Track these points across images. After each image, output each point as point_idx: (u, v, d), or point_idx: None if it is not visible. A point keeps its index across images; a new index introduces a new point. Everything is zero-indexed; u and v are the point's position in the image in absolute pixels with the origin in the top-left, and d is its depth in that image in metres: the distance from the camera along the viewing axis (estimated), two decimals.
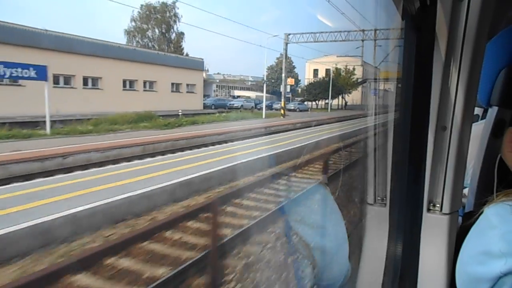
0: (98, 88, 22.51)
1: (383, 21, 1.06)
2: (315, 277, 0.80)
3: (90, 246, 4.79)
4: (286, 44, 30.69)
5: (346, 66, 48.86)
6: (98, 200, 5.58)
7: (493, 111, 1.05)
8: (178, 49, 43.17)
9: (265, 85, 31.83)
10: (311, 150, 11.78)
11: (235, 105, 37.19)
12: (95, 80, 22.60)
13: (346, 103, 52.68)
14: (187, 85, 30.80)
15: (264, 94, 31.71)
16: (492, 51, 0.93)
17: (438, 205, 0.96)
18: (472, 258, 0.66)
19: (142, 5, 43.22)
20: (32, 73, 14.75)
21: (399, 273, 1.06)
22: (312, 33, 30.08)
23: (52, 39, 19.42)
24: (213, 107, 34.95)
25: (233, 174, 8.64)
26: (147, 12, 43.87)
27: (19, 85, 17.79)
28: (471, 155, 1.05)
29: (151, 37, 44.46)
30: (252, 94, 54.11)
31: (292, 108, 37.61)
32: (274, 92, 54.01)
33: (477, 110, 2.02)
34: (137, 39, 45.11)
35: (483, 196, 0.69)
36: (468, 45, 0.85)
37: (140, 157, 10.56)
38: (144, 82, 26.19)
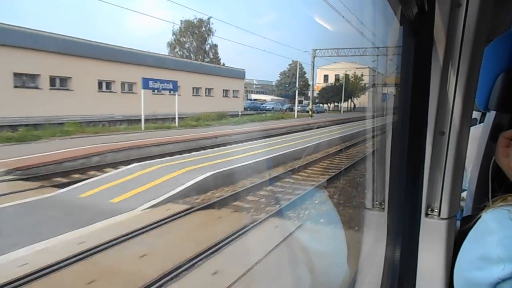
0: (178, 94, 29.35)
1: (381, 27, 1.05)
2: (313, 281, 0.80)
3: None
4: (314, 57, 36.72)
5: (355, 72, 54.22)
6: (272, 154, 10.36)
7: (491, 116, 1.05)
8: (216, 59, 46.41)
9: (297, 92, 35.32)
10: (350, 138, 17.48)
11: (267, 107, 40.56)
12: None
13: (354, 105, 54.41)
14: (233, 91, 34.49)
15: (297, 99, 35.18)
16: (490, 56, 0.91)
17: (436, 210, 0.93)
18: (470, 263, 0.63)
19: (181, 21, 49.24)
20: (170, 86, 19.86)
21: (397, 278, 1.02)
22: (335, 49, 34.77)
23: (151, 58, 24.61)
24: (248, 109, 37.45)
25: (316, 148, 12.38)
26: (186, 27, 50.25)
27: (133, 92, 23.54)
28: (469, 159, 1.02)
29: (189, 48, 50.95)
30: (267, 98, 59.24)
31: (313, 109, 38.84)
32: (287, 96, 52.03)
33: (475, 114, 1.93)
34: (176, 50, 51.17)
35: (481, 200, 0.67)
36: (466, 50, 0.82)
37: (256, 139, 14.66)
38: (205, 89, 30.34)
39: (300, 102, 45.45)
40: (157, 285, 3.43)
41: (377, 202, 1.04)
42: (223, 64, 42.42)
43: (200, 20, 45.21)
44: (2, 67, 15.30)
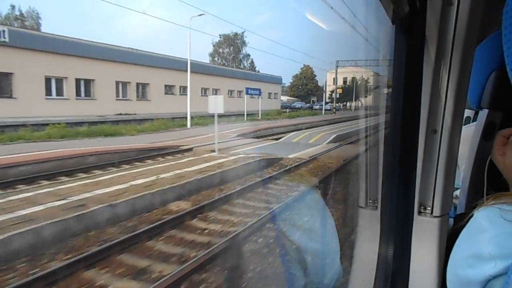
0: (241, 97, 38.04)
1: (374, 26, 1.04)
2: (306, 280, 0.84)
3: None
4: (337, 67, 46.49)
5: (362, 76, 63.03)
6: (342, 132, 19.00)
7: (483, 114, 1.05)
8: (252, 67, 54.53)
9: (324, 94, 47.15)
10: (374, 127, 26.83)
11: (296, 106, 47.00)
12: (239, 92, 36.64)
13: (362, 104, 67.19)
14: (274, 93, 42.80)
15: (324, 99, 46.23)
16: (482, 54, 0.91)
17: (429, 208, 0.92)
18: (463, 261, 0.64)
19: (220, 35, 58.24)
20: (257, 92, 29.25)
21: (391, 275, 1.02)
22: (353, 60, 45.39)
23: (229, 71, 35.49)
24: (281, 108, 43.82)
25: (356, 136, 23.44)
26: (224, 40, 59.61)
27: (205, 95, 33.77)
28: (462, 157, 1.04)
29: (226, 57, 58.38)
30: (284, 98, 68.18)
31: (329, 108, 44.23)
32: (299, 96, 57.34)
33: (469, 112, 1.97)
34: (215, 58, 60.46)
35: (474, 198, 0.66)
36: (458, 49, 0.81)
37: (317, 127, 24.55)
38: (205, 90, 38.46)
39: (313, 102, 54.23)
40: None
41: (370, 201, 1.04)
42: (258, 71, 51.62)
43: (236, 34, 54.26)
44: (161, 81, 24.22)
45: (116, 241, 4.57)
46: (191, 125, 19.97)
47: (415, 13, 0.83)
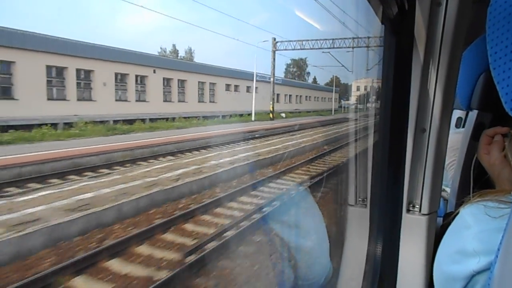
0: (301, 103, 42.05)
1: (363, 26, 1.04)
2: (296, 277, 0.79)
3: None
4: (372, 83, 72.40)
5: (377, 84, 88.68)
6: None
7: (473, 115, 1.03)
8: (315, 81, 67.60)
9: (363, 98, 73.96)
10: None
11: (344, 106, 55.54)
12: (307, 97, 44.96)
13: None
14: (329, 98, 52.34)
15: (365, 102, 71.59)
16: (472, 56, 0.89)
17: (417, 206, 0.91)
18: (448, 257, 0.62)
19: (291, 59, 69.36)
20: (344, 99, 45.94)
21: (379, 272, 1.00)
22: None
23: (305, 85, 48.27)
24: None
25: None
26: (293, 63, 79.18)
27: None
28: (454, 158, 1.00)
29: (294, 74, 72.28)
30: None
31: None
32: None
33: (461, 113, 1.94)
34: (287, 74, 73.53)
35: (463, 197, 0.64)
36: (446, 49, 0.80)
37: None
38: (328, 98, 49.55)
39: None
40: None
41: (360, 199, 1.03)
42: (318, 83, 74.85)
43: (301, 59, 79.14)
44: (304, 95, 45.51)
45: None
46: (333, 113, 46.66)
47: (403, 13, 0.81)
